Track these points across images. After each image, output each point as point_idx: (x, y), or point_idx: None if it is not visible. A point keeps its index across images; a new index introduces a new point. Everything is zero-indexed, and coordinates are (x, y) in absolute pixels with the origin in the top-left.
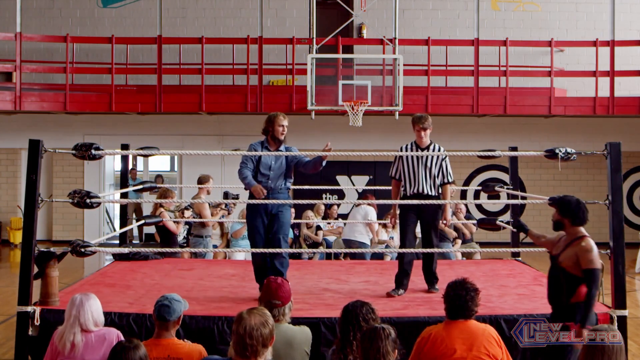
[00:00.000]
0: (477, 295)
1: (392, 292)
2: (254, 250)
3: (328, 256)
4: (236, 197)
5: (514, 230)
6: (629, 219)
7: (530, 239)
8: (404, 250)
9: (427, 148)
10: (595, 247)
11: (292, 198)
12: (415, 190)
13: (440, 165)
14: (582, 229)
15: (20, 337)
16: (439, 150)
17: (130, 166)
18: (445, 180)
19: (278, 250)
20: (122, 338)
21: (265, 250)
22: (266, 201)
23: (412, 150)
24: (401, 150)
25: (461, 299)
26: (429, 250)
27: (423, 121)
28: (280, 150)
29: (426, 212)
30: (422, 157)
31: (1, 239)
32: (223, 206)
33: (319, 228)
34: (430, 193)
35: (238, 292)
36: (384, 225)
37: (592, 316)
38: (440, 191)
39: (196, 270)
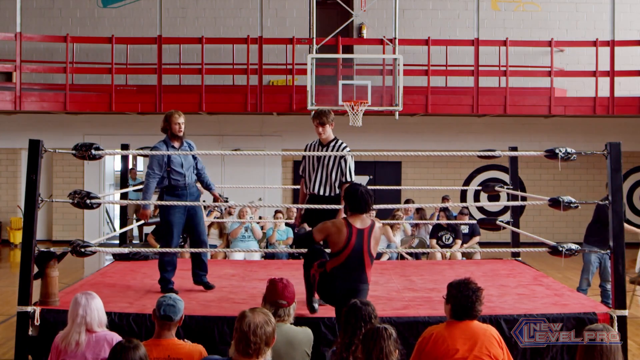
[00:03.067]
0: (482, 294)
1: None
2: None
3: None
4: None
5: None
6: (629, 219)
7: None
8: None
9: (329, 145)
10: (329, 223)
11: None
12: (310, 190)
13: (339, 163)
14: (362, 216)
15: (20, 337)
16: (341, 146)
17: (130, 166)
18: (344, 180)
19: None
20: None
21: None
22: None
23: (316, 147)
24: (307, 147)
25: (468, 299)
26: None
27: (321, 116)
28: (184, 146)
29: (317, 214)
30: (321, 155)
31: (1, 239)
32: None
33: None
34: (323, 194)
35: (238, 292)
36: (391, 227)
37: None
38: (338, 192)
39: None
